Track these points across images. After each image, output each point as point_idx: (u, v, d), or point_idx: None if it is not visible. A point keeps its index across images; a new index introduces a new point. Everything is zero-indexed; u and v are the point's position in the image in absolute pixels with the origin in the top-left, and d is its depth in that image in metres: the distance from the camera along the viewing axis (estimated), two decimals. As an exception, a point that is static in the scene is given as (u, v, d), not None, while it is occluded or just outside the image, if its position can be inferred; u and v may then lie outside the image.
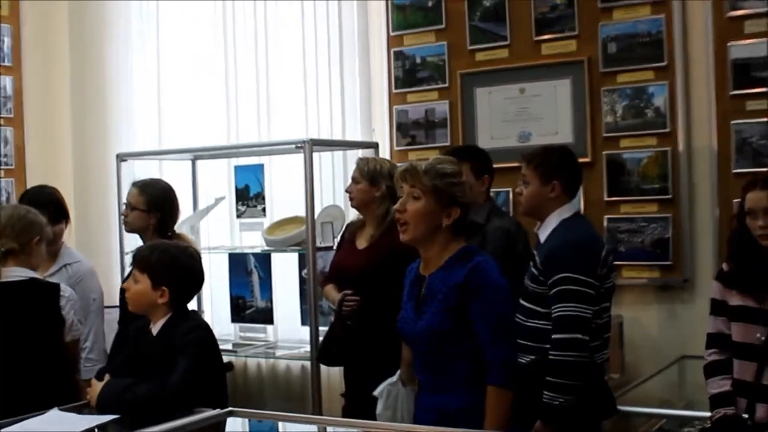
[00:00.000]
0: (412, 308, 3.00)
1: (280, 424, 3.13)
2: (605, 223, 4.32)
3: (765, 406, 2.89)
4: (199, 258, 3.23)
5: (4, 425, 2.68)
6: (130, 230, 4.15)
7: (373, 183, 3.94)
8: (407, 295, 3.07)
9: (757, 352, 2.91)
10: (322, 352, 4.12)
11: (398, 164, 4.16)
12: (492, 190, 4.02)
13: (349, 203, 4.11)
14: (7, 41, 5.57)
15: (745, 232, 2.97)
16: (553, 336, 3.05)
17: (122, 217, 4.17)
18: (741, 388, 2.97)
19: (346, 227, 4.23)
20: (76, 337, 3.53)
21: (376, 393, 3.40)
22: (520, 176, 3.33)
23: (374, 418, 3.30)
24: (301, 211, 4.51)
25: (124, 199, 4.37)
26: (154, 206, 4.02)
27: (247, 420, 3.02)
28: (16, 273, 3.38)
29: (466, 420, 2.82)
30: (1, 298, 3.33)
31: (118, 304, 4.01)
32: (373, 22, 4.95)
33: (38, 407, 2.88)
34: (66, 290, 3.50)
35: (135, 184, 4.14)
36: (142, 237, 4.02)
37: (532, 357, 3.12)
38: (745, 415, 2.93)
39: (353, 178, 4.02)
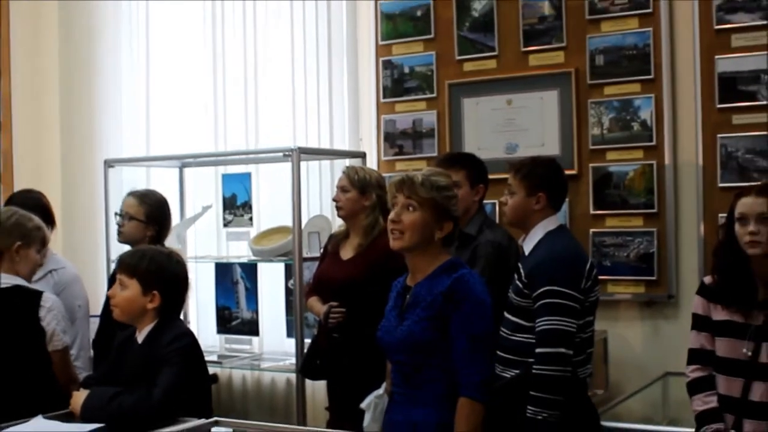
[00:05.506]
0: (395, 317, 3.00)
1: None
2: (591, 237, 4.29)
3: (753, 422, 2.86)
4: (184, 264, 3.21)
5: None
6: (124, 240, 4.07)
7: (363, 192, 3.90)
8: (391, 305, 3.07)
9: (744, 367, 2.87)
10: (305, 365, 4.07)
11: (385, 175, 4.20)
12: (481, 201, 3.99)
13: (336, 213, 4.05)
14: (-5, 44, 5.55)
15: (732, 243, 2.92)
16: (537, 350, 3.03)
17: (117, 227, 4.09)
18: (727, 404, 2.93)
19: (329, 239, 4.17)
20: (59, 347, 3.42)
21: (363, 405, 3.40)
22: (506, 186, 3.31)
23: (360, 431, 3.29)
24: (287, 221, 4.50)
25: (111, 206, 4.35)
26: (152, 218, 4.01)
27: (231, 430, 2.98)
28: (1, 280, 3.31)
29: None
30: None
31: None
32: (362, 31, 4.93)
33: (20, 417, 2.83)
34: (48, 300, 3.40)
35: (132, 194, 4.10)
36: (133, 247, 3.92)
37: (516, 371, 3.09)
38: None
39: (341, 188, 3.95)
